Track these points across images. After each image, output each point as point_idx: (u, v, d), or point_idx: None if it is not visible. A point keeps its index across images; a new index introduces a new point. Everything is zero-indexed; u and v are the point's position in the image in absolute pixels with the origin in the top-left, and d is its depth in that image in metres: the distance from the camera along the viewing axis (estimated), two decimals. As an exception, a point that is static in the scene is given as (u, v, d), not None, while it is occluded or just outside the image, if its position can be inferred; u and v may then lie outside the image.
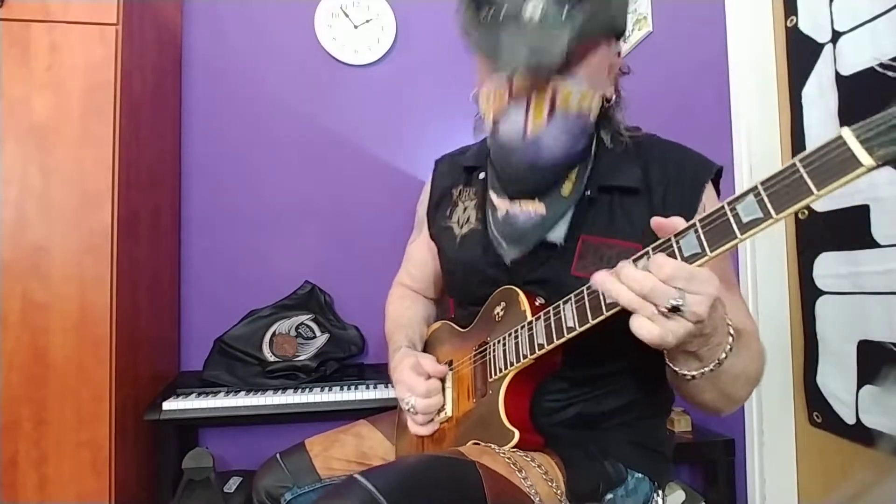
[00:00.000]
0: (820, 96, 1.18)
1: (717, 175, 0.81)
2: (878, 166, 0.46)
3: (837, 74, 1.13)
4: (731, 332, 0.63)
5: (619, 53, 0.83)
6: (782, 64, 1.30)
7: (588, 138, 0.82)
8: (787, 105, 1.28)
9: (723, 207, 0.54)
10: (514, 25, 0.71)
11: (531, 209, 0.81)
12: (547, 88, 0.74)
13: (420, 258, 1.07)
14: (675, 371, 0.65)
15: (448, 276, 0.98)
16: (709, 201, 0.78)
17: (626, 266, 0.58)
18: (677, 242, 0.57)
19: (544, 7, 0.70)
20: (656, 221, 0.59)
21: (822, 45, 1.17)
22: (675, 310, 0.55)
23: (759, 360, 0.71)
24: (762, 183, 0.52)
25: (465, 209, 0.94)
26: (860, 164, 0.46)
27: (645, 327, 0.56)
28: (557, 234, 0.80)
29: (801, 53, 1.23)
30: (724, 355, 0.62)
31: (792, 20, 1.26)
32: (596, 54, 0.75)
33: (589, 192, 0.80)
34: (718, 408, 0.72)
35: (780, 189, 0.50)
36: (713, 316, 0.58)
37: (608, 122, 0.83)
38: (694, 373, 0.63)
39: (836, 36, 1.14)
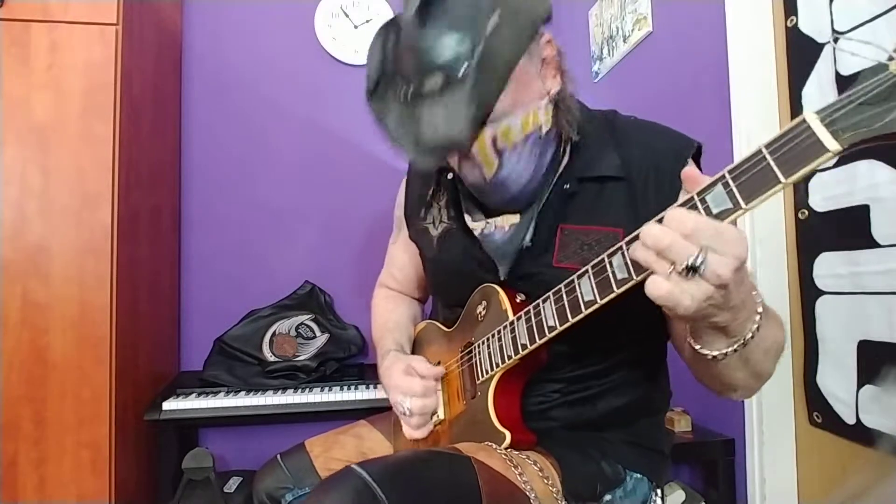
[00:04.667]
0: (820, 96, 1.18)
1: (697, 152, 0.77)
2: (844, 150, 0.44)
3: (837, 74, 1.13)
4: (761, 303, 0.56)
5: (548, 41, 0.74)
6: (782, 64, 1.30)
7: (554, 143, 0.79)
8: (787, 105, 1.27)
9: (692, 199, 0.52)
10: (420, 105, 0.68)
11: (505, 224, 0.81)
12: (484, 138, 0.71)
13: (402, 260, 1.07)
14: (698, 352, 0.58)
15: (431, 278, 0.98)
16: None
17: (647, 224, 0.52)
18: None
19: (445, 74, 0.65)
20: (686, 172, 0.54)
21: (822, 45, 1.17)
22: (692, 269, 0.48)
23: (783, 328, 0.65)
24: (730, 172, 0.50)
25: (438, 209, 0.93)
26: (826, 150, 0.44)
27: (655, 285, 0.50)
28: (528, 235, 0.79)
29: (801, 53, 1.23)
30: (752, 332, 0.55)
31: (792, 20, 1.26)
32: (520, 73, 0.68)
33: (568, 186, 0.78)
34: (749, 386, 0.65)
35: (749, 179, 0.49)
36: (740, 285, 0.51)
37: (564, 113, 0.77)
38: (722, 352, 0.56)
39: (836, 36, 1.14)
